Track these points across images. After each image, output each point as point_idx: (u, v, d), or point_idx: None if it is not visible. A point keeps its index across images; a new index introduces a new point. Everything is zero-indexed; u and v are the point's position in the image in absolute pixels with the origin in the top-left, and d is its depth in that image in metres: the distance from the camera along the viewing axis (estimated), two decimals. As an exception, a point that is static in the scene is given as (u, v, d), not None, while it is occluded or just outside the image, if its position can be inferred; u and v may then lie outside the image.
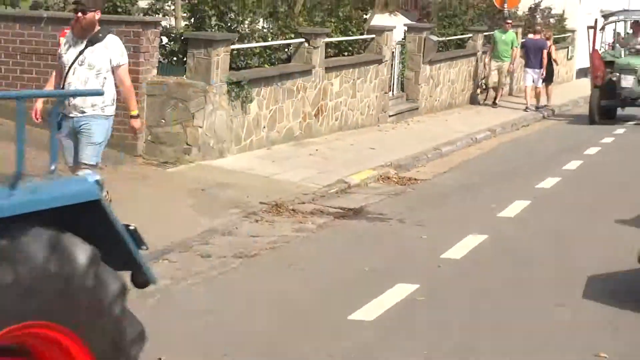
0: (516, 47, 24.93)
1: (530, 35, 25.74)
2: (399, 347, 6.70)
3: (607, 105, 22.48)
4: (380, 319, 7.32)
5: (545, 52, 24.56)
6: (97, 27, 8.96)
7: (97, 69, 8.88)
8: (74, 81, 8.88)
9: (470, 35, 25.10)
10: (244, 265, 8.88)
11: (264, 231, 10.15)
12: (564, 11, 35.04)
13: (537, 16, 32.20)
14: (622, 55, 23.08)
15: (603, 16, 24.98)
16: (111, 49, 8.92)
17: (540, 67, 24.38)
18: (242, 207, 10.93)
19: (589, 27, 25.94)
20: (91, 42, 8.88)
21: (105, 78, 8.93)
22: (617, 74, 22.05)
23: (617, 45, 24.36)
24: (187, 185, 11.76)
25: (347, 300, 7.74)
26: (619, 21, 24.75)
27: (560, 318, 7.49)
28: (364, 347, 6.71)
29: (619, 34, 25.05)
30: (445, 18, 24.81)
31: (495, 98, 24.32)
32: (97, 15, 8.93)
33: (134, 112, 9.19)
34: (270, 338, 6.89)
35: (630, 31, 24.22)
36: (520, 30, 27.87)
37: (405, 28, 22.01)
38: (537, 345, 6.84)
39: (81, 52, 8.87)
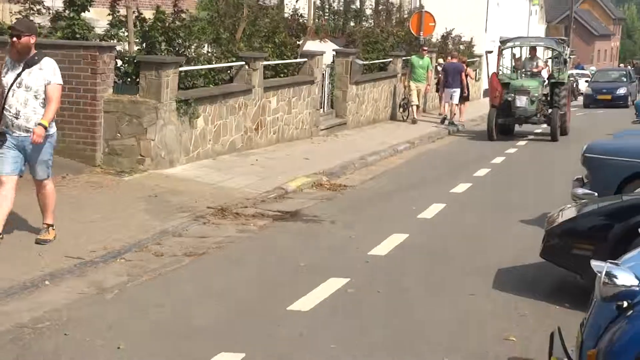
0: (431, 69, 25.25)
1: (449, 59, 26.08)
2: (332, 334, 6.67)
3: (503, 123, 22.18)
4: (315, 309, 7.29)
5: (463, 74, 24.89)
6: (33, 51, 8.63)
7: (35, 90, 8.51)
8: (14, 103, 8.51)
9: (390, 59, 25.25)
10: (194, 263, 8.79)
11: (210, 232, 10.06)
12: (472, 38, 35.47)
13: (449, 43, 32.56)
14: (518, 78, 22.78)
15: (501, 42, 24.29)
16: (45, 70, 8.60)
17: (458, 87, 24.71)
18: (191, 211, 10.82)
19: (487, 52, 26.41)
20: (28, 65, 8.52)
21: (44, 98, 8.60)
22: (512, 95, 21.56)
23: (515, 68, 23.98)
24: (141, 192, 11.61)
25: (286, 293, 7.69)
26: (515, 47, 24.42)
27: (473, 307, 7.52)
28: (302, 334, 6.66)
29: (518, 58, 24.85)
30: (368, 44, 24.90)
31: (414, 115, 24.38)
32: (32, 40, 8.56)
33: (45, 122, 8.64)
34: (217, 327, 6.82)
35: (529, 56, 24.08)
36: (435, 55, 28.13)
37: (334, 53, 22.04)
38: (453, 330, 6.87)
39: (19, 75, 8.48)
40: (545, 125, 23.51)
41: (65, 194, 10.97)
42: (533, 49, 23.96)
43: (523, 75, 23.06)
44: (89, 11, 13.75)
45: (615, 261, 4.72)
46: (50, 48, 12.52)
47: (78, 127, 12.67)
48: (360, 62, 22.66)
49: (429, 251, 9.56)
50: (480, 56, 35.28)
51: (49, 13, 13.70)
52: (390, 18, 30.13)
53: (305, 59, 19.16)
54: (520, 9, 51.51)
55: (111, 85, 12.95)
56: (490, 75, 22.85)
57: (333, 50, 22.38)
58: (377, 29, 27.01)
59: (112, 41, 13.59)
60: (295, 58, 18.91)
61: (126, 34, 13.93)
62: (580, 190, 9.83)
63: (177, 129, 13.57)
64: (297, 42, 19.75)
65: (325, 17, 27.96)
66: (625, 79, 40.60)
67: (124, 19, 13.93)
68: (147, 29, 14.00)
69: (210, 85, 15.13)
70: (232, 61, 16.03)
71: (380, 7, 30.03)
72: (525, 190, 14.04)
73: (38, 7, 13.49)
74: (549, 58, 26.09)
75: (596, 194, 9.47)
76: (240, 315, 7.13)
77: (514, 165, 17.52)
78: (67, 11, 13.42)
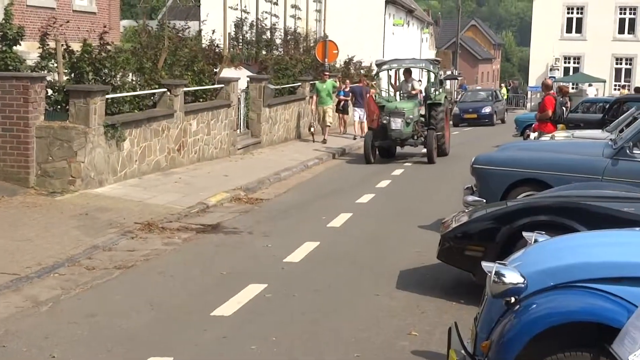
0: (335, 89, 25.22)
1: (348, 83, 26.61)
2: (253, 335, 6.60)
3: (380, 145, 20.13)
4: (237, 314, 7.20)
5: (368, 95, 24.92)
6: None
7: None
8: None
9: (299, 83, 25.28)
10: (123, 275, 8.60)
11: (138, 246, 9.87)
12: (371, 63, 35.76)
13: (351, 68, 32.81)
14: (395, 100, 20.84)
15: (377, 65, 22.19)
16: None
17: (363, 107, 24.76)
18: (119, 227, 10.60)
19: (363, 76, 26.49)
20: None
21: None
22: (387, 117, 19.41)
23: (391, 90, 22.06)
24: (73, 211, 11.33)
25: (210, 300, 7.59)
26: (391, 69, 22.22)
27: (379, 305, 7.54)
28: (225, 337, 6.57)
29: (395, 80, 23.14)
30: (279, 70, 24.90)
31: (324, 135, 24.10)
32: None
33: None
34: (146, 334, 6.67)
35: (403, 78, 21.74)
36: (339, 78, 28.26)
37: (248, 79, 21.96)
38: (362, 328, 6.86)
39: None
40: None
41: (1, 215, 10.64)
42: (408, 71, 21.66)
43: (400, 97, 21.21)
44: (20, 45, 13.44)
45: (503, 261, 4.77)
46: (-16, 79, 12.22)
47: (12, 152, 12.32)
48: (272, 86, 22.63)
49: (339, 257, 9.55)
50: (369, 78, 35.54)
51: (-18, 47, 13.31)
52: (298, 46, 30.22)
53: (222, 85, 19.05)
54: (412, 37, 52.34)
55: (42, 112, 12.64)
56: (368, 98, 21.02)
57: (247, 76, 22.30)
58: (287, 56, 27.04)
59: (42, 72, 13.28)
60: (213, 84, 18.79)
61: (56, 65, 13.64)
62: (470, 198, 9.95)
63: (105, 152, 13.30)
64: (214, 70, 19.62)
65: (240, 47, 27.87)
66: (490, 99, 38.98)
67: (53, 52, 13.63)
68: (75, 60, 13.71)
69: (136, 111, 14.90)
70: (155, 88, 15.81)
71: (288, 37, 30.09)
72: (423, 199, 14.18)
73: (-29, 41, 13.10)
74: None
75: (484, 201, 9.60)
76: (168, 322, 7.00)
77: (414, 175, 17.66)
78: (-1, 45, 13.07)
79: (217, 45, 22.30)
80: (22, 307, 7.31)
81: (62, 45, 13.70)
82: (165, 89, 15.93)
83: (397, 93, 21.58)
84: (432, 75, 21.49)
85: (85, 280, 8.25)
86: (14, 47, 13.22)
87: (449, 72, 65.71)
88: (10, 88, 12.22)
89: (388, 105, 19.81)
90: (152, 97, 15.85)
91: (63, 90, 13.11)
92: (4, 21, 13.11)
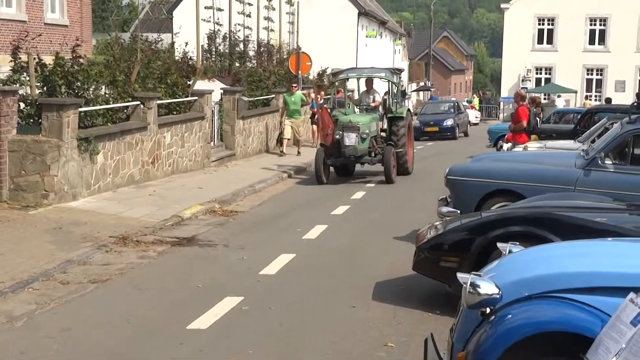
0: (305, 102, 24.75)
1: (320, 94, 26.45)
2: (229, 349, 6.60)
3: (333, 163, 18.03)
4: (213, 327, 7.20)
5: (321, 108, 25.20)
6: None
7: None
8: None
9: (273, 95, 25.29)
10: (98, 289, 8.57)
11: (113, 260, 9.84)
12: (325, 71, 35.83)
13: (324, 79, 32.90)
14: (353, 113, 18.72)
15: (333, 74, 20.75)
16: None
17: None
18: (94, 241, 10.56)
19: (317, 86, 26.29)
20: None
21: None
22: (341, 132, 17.36)
23: (352, 102, 20.02)
24: (47, 225, 11.27)
25: (186, 313, 7.58)
26: (348, 78, 20.18)
27: (355, 317, 7.57)
28: (202, 351, 6.57)
29: (350, 91, 22.38)
30: (253, 82, 24.92)
31: (283, 148, 23.46)
32: None
33: None
34: (122, 348, 6.66)
35: (364, 89, 19.88)
36: (311, 90, 28.31)
37: (222, 91, 21.96)
38: (339, 339, 6.89)
39: None
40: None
41: (-27, 230, 10.56)
42: (369, 81, 19.70)
43: (358, 110, 19.22)
44: (-9, 58, 13.35)
45: (478, 272, 4.83)
46: (-45, 93, 12.14)
47: (-16, 167, 12.23)
48: (246, 98, 22.63)
49: (315, 269, 9.58)
50: (352, 91, 35.70)
51: (-47, 60, 13.23)
52: (271, 58, 30.25)
53: (196, 98, 19.04)
54: (386, 48, 52.60)
55: (15, 126, 12.59)
56: (320, 111, 18.73)
57: (221, 88, 22.30)
58: (260, 68, 27.06)
59: (14, 85, 13.21)
60: (187, 97, 18.77)
61: (28, 78, 13.58)
62: (444, 209, 10.03)
63: (78, 165, 13.25)
64: (188, 82, 19.61)
65: (213, 59, 27.86)
66: (453, 111, 36.80)
67: (25, 65, 13.58)
68: (47, 73, 13.65)
69: (109, 124, 14.85)
70: (128, 101, 15.79)
71: (262, 49, 30.11)
72: (397, 210, 14.24)
73: (-58, 55, 13.02)
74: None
75: (459, 212, 9.67)
76: (144, 335, 6.99)
77: (387, 187, 17.72)
78: (-30, 58, 12.99)
79: (191, 58, 22.32)
80: (-4, 322, 7.26)
81: (34, 58, 13.66)
82: (139, 102, 15.91)
83: (356, 106, 19.63)
84: (393, 87, 19.65)
85: (60, 295, 8.21)
86: (-14, 61, 13.13)
87: (422, 84, 66.18)
88: (-18, 102, 12.14)
89: (341, 119, 17.73)
90: (125, 110, 15.81)
91: (35, 103, 13.06)
92: (-25, 34, 13.02)
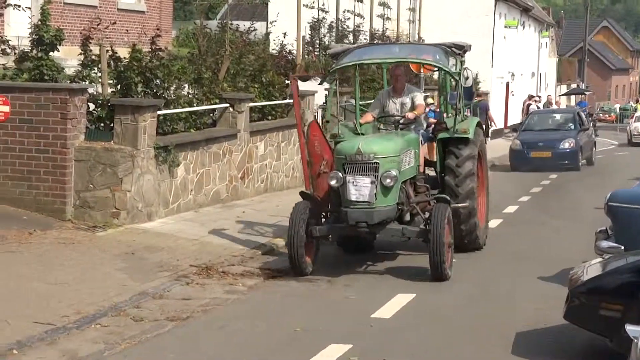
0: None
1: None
2: (336, 407, 6.64)
3: (325, 234, 11.54)
4: (315, 380, 7.27)
5: (489, 112, 27.86)
6: None
7: None
8: None
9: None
10: (177, 329, 8.76)
11: (195, 294, 10.05)
12: (477, 74, 35.72)
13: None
14: (364, 132, 12.54)
15: (331, 55, 14.23)
16: None
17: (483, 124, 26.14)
18: (172, 270, 10.81)
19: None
20: None
21: None
22: (341, 175, 11.12)
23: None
24: (117, 249, 11.60)
25: (282, 362, 7.67)
26: (361, 65, 13.44)
27: (491, 374, 7.51)
28: (301, 408, 6.63)
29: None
30: (364, 82, 25.03)
31: None
32: None
33: None
34: (207, 401, 6.78)
35: (388, 86, 13.65)
36: (437, 92, 28.26)
37: (326, 92, 22.11)
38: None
39: None
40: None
41: (33, 252, 10.97)
42: (397, 70, 13.06)
43: (379, 127, 13.01)
44: (58, 50, 13.83)
45: (652, 324, 4.73)
46: (16, 91, 12.69)
47: (46, 178, 12.70)
48: (353, 102, 22.69)
49: (438, 313, 9.54)
50: (486, 93, 35.60)
51: (14, 53, 13.78)
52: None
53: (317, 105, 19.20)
54: (529, 42, 52.06)
55: (83, 131, 13.01)
56: (307, 127, 12.92)
57: (325, 89, 22.48)
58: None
59: (83, 83, 13.65)
60: (284, 99, 19.00)
61: (99, 74, 14.00)
62: (605, 244, 9.84)
63: (155, 179, 13.59)
64: (286, 81, 19.83)
65: (316, 53, 28.16)
66: (573, 126, 29.22)
67: (96, 58, 13.99)
68: (122, 69, 14.06)
69: (192, 130, 15.18)
70: (215, 103, 16.10)
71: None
72: (540, 245, 14.04)
73: (2, 47, 13.59)
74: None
75: (623, 247, 9.49)
76: (232, 387, 7.10)
77: (541, 202, 17.53)
78: (34, 51, 13.50)
79: (290, 52, 22.58)
80: (58, 364, 7.52)
81: (107, 51, 14.08)
82: (227, 104, 16.21)
83: (376, 119, 13.07)
84: (450, 80, 13.52)
85: (132, 334, 8.43)
86: (51, 54, 13.62)
87: (573, 86, 65.17)
88: (46, 102, 12.63)
89: (343, 147, 11.50)
90: (211, 114, 16.14)
91: (107, 104, 13.46)
92: (40, 22, 13.54)
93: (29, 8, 15.36)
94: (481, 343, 8.42)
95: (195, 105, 15.60)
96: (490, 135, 28.12)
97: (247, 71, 18.18)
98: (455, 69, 12.93)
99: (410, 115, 12.54)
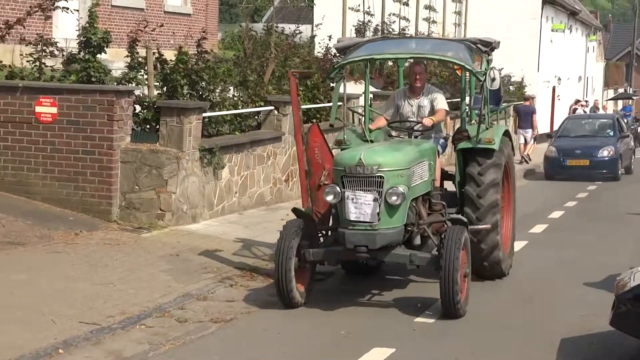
0: None
1: (522, 102, 29.10)
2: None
3: (320, 259, 10.01)
4: (358, 384, 7.26)
5: (535, 116, 28.37)
6: None
7: None
8: None
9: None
10: (221, 330, 8.82)
11: (239, 296, 10.09)
12: (523, 78, 35.54)
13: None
14: (376, 138, 11.26)
15: (337, 49, 12.59)
16: None
17: (530, 128, 28.29)
18: (216, 272, 10.86)
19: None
20: None
21: None
22: (338, 189, 9.56)
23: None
24: (162, 250, 11.68)
25: (325, 365, 7.68)
26: (374, 59, 13.21)
27: (536, 380, 7.47)
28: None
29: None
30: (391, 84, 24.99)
31: None
32: None
33: None
34: (250, 403, 6.81)
35: (405, 84, 12.45)
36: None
37: (371, 95, 22.07)
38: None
39: None
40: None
41: (79, 253, 11.09)
42: (416, 67, 11.36)
43: (390, 132, 11.43)
44: (105, 52, 13.96)
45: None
46: (64, 93, 12.83)
47: (93, 179, 12.82)
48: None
49: (486, 317, 9.50)
50: (532, 98, 35.28)
51: (62, 55, 13.94)
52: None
53: (340, 103, 19.21)
54: (576, 46, 51.64)
55: (129, 133, 13.12)
56: (307, 131, 11.28)
57: (370, 92, 22.46)
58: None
59: (130, 85, 13.77)
60: (329, 102, 18.99)
61: (145, 76, 14.13)
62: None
63: (200, 181, 13.67)
64: (331, 84, 19.86)
65: (361, 56, 28.14)
66: (612, 133, 27.55)
67: (143, 61, 14.12)
68: (168, 71, 14.18)
69: (237, 133, 15.26)
70: (260, 106, 16.16)
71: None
72: (586, 251, 13.93)
73: (51, 48, 13.75)
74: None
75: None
76: (275, 389, 7.12)
77: (583, 211, 17.40)
78: (81, 53, 13.66)
79: (335, 55, 22.58)
80: (103, 364, 7.60)
81: (154, 53, 14.19)
82: (272, 107, 16.26)
83: (389, 126, 11.49)
84: (475, 80, 11.75)
85: (176, 335, 8.49)
86: (98, 56, 13.77)
87: (621, 90, 64.53)
88: (93, 103, 12.76)
89: (342, 157, 9.89)
90: (256, 117, 16.20)
91: (153, 106, 13.57)
92: (87, 25, 13.68)
93: (77, 10, 15.51)
94: (526, 348, 8.37)
95: (240, 107, 15.66)
96: (535, 140, 28.03)
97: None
98: (481, 68, 11.47)
99: (427, 121, 10.86)
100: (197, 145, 13.51)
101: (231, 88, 16.03)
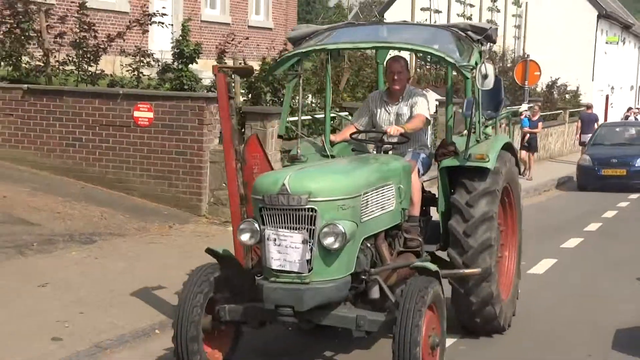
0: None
1: (585, 110, 29.25)
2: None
3: (234, 316, 6.64)
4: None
5: (597, 123, 27.80)
6: None
7: None
8: None
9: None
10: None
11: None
12: (578, 87, 35.12)
13: (554, 92, 32.31)
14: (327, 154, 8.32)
15: (290, 40, 8.83)
16: None
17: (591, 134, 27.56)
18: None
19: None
20: None
21: None
22: (256, 226, 6.45)
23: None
24: (247, 243, 11.79)
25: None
26: (325, 49, 8.65)
27: (592, 367, 7.41)
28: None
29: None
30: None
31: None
32: None
33: None
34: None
35: (384, 86, 9.38)
36: (539, 104, 27.89)
37: (437, 103, 22.05)
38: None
39: None
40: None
41: (173, 244, 11.28)
42: (394, 64, 8.25)
43: (353, 147, 8.50)
44: (196, 63, 14.19)
45: None
46: (159, 99, 13.06)
47: (184, 177, 13.02)
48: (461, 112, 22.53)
49: (541, 309, 9.44)
50: (590, 106, 34.84)
51: (158, 65, 14.20)
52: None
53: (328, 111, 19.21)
54: (629, 57, 50.90)
55: (217, 135, 13.29)
56: (244, 144, 8.25)
57: (436, 100, 22.42)
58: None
59: (218, 92, 13.94)
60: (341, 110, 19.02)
61: (232, 84, 14.29)
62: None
63: (281, 180, 13.75)
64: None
65: (427, 66, 28.08)
66: None
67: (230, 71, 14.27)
68: (253, 80, 14.34)
69: (314, 136, 15.31)
70: (336, 112, 16.20)
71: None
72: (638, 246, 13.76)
73: (147, 59, 14.02)
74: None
75: None
76: None
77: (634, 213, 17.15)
78: (175, 63, 13.90)
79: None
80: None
81: (240, 63, 14.38)
82: (347, 113, 16.29)
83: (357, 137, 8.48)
84: (468, 82, 7.86)
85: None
86: (190, 66, 13.99)
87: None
88: (185, 109, 12.96)
89: (261, 182, 6.54)
90: (332, 122, 16.25)
91: (239, 112, 13.73)
92: (181, 38, 13.91)
93: (171, 25, 15.80)
94: (583, 338, 8.31)
95: (317, 113, 15.75)
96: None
97: (365, 82, 18.28)
98: (470, 61, 7.70)
99: (393, 130, 7.77)
100: (279, 147, 13.64)
101: (309, 95, 16.14)
